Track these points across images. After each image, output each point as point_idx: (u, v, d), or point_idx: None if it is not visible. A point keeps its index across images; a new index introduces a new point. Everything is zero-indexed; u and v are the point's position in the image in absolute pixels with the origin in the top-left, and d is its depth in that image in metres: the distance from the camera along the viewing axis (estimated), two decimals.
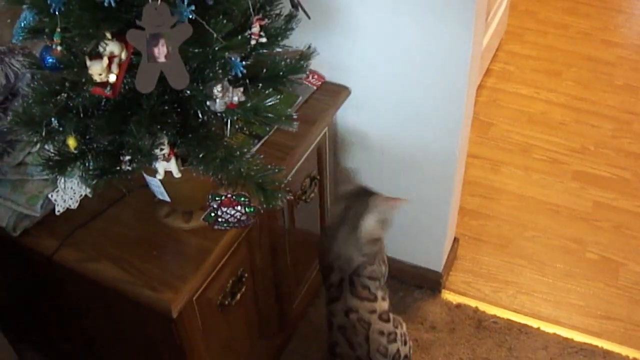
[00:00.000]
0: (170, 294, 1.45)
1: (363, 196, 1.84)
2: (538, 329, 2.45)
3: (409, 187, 2.32)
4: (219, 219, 1.49)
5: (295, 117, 1.31)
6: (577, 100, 3.39)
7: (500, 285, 2.61)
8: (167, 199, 1.53)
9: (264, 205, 1.35)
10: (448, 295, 2.57)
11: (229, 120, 1.32)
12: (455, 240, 2.66)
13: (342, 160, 2.36)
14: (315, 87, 2.08)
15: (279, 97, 1.29)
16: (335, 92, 2.02)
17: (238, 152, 1.31)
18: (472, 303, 2.55)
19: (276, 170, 1.36)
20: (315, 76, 2.11)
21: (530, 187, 2.96)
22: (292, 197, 1.85)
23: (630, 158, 3.07)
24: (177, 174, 1.41)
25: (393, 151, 2.25)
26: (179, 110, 1.24)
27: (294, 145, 1.77)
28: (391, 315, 1.89)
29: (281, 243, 1.92)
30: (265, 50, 1.37)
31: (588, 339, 2.41)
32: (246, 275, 1.70)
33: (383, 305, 1.87)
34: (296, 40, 1.45)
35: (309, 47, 1.49)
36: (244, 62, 1.25)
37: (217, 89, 1.25)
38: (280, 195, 1.35)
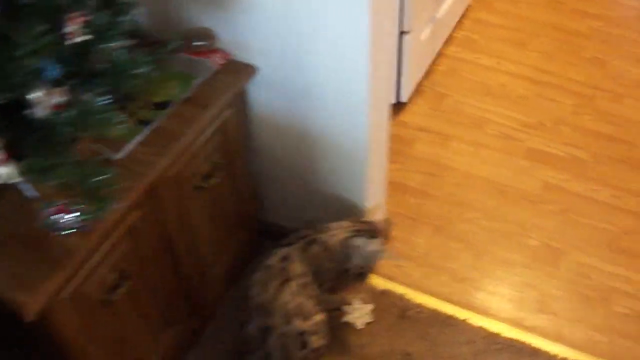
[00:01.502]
0: (24, 295, 1.31)
1: None
2: (465, 321, 2.17)
3: (325, 168, 2.07)
4: (59, 225, 1.36)
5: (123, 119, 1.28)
6: (541, 73, 3.06)
7: (432, 271, 2.33)
8: (36, 193, 1.40)
9: (95, 212, 1.29)
10: (376, 280, 2.29)
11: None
12: (387, 221, 2.36)
13: (257, 141, 2.10)
14: (218, 66, 1.83)
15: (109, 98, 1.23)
16: (239, 72, 1.81)
17: (69, 158, 1.24)
18: (400, 289, 2.27)
19: (105, 176, 1.27)
20: (219, 55, 1.85)
21: (479, 164, 2.66)
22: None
23: (588, 136, 2.75)
24: (16, 177, 1.27)
25: (307, 133, 1.99)
26: (9, 114, 1.19)
27: (181, 132, 1.61)
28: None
29: (174, 233, 1.76)
30: (105, 45, 1.26)
31: (517, 335, 2.14)
32: (131, 269, 1.57)
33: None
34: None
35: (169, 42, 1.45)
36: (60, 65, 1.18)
37: (35, 95, 1.16)
38: (107, 202, 1.29)
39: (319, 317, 1.90)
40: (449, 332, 2.16)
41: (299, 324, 1.79)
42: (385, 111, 1.97)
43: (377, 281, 2.30)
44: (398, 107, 2.89)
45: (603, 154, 2.68)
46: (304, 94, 1.85)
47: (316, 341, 1.90)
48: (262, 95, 1.95)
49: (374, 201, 2.17)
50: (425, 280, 2.32)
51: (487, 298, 2.26)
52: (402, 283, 2.31)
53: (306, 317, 1.80)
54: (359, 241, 1.97)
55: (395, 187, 2.59)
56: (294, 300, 1.79)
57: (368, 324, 2.19)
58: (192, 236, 1.89)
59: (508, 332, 2.16)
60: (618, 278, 2.29)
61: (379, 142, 2.01)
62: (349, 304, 2.21)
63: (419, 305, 2.23)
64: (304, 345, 1.86)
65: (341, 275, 2.01)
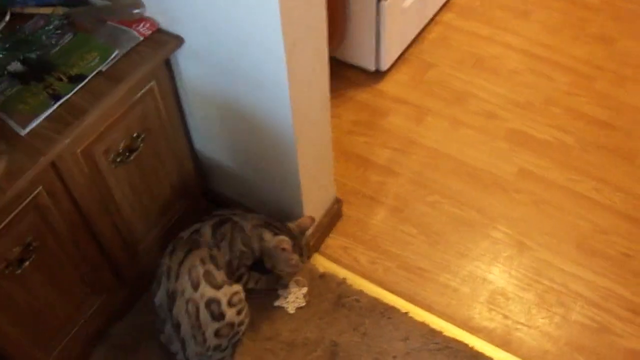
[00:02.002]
0: None
1: None
2: (406, 314, 1.96)
3: (259, 147, 1.88)
4: None
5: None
6: (540, 47, 2.77)
7: (380, 256, 2.11)
8: None
9: None
10: (319, 260, 2.09)
11: None
12: (338, 200, 2.14)
13: (193, 115, 1.93)
14: (142, 38, 1.66)
15: None
16: (163, 43, 1.65)
17: None
18: (341, 273, 2.07)
19: None
20: (147, 25, 1.67)
21: (453, 143, 2.41)
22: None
23: (579, 120, 2.47)
24: None
25: (237, 110, 1.79)
26: None
27: (88, 108, 1.51)
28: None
29: (90, 207, 1.67)
30: None
31: (460, 335, 1.92)
32: (39, 242, 1.53)
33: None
34: None
35: None
36: None
37: None
38: None
39: (234, 289, 1.80)
40: (386, 324, 1.95)
41: (207, 291, 1.73)
42: (320, 94, 1.74)
43: (319, 261, 2.09)
44: (377, 75, 2.64)
45: (592, 142, 2.41)
46: (228, 67, 1.66)
47: (234, 316, 1.79)
48: (191, 67, 1.76)
49: (311, 199, 1.96)
50: (370, 265, 2.10)
51: (435, 292, 2.04)
52: (345, 266, 2.10)
53: (215, 285, 1.74)
54: (267, 235, 1.86)
55: (359, 162, 2.37)
56: (202, 266, 1.74)
57: (300, 308, 1.99)
58: (115, 210, 1.78)
59: (450, 331, 1.93)
60: (582, 282, 2.04)
61: (313, 128, 1.80)
62: (285, 286, 2.01)
63: (358, 293, 2.02)
64: (218, 316, 1.76)
65: (260, 263, 1.91)
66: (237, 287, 1.84)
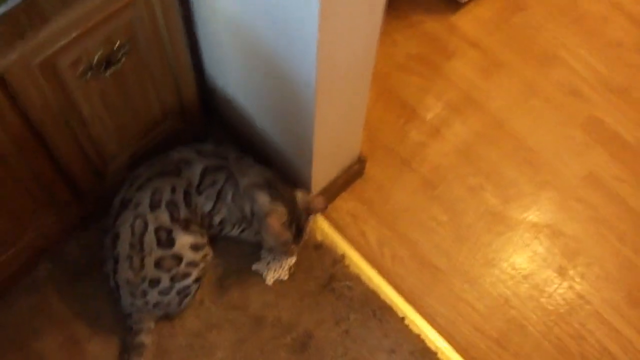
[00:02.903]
0: None
1: None
2: (402, 320, 1.61)
3: (273, 91, 1.46)
4: None
5: None
6: None
7: (393, 238, 1.72)
8: None
9: None
10: (320, 224, 1.71)
11: None
12: (361, 160, 1.72)
13: (200, 37, 1.54)
14: None
15: None
16: None
17: None
18: (342, 248, 1.70)
19: None
20: None
21: (520, 115, 1.96)
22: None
23: None
24: None
25: (251, 40, 1.36)
26: None
27: (51, 14, 1.13)
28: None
29: (46, 123, 1.33)
30: None
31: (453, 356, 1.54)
32: None
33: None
34: None
35: None
36: None
37: None
38: None
39: (198, 237, 1.55)
40: (374, 327, 1.59)
41: (164, 219, 1.49)
42: (366, 34, 1.26)
43: (319, 225, 1.70)
44: (454, 4, 2.11)
45: None
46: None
47: (187, 250, 1.53)
48: None
49: (326, 160, 1.53)
50: (377, 246, 1.71)
51: (443, 300, 1.67)
52: (348, 239, 1.72)
53: (175, 218, 1.50)
54: (262, 197, 1.51)
55: (402, 109, 1.95)
56: (170, 194, 1.51)
57: (281, 281, 1.61)
58: (78, 125, 1.41)
59: (447, 355, 1.56)
60: (619, 340, 1.63)
61: (345, 81, 1.34)
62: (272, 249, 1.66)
63: (353, 278, 1.65)
64: (166, 243, 1.50)
65: (249, 225, 1.60)
66: (204, 238, 1.57)
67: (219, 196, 1.54)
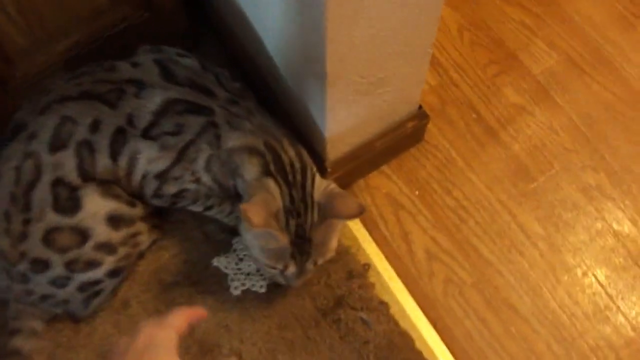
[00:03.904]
0: None
1: None
2: (411, 343, 0.86)
3: None
4: None
5: None
6: None
7: (454, 253, 1.00)
8: None
9: None
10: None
11: None
12: (421, 115, 0.99)
13: None
14: None
15: None
16: None
17: None
18: (366, 255, 1.00)
19: None
20: None
21: None
22: None
23: None
24: None
25: None
26: None
27: None
28: None
29: None
30: None
31: None
32: None
33: None
34: None
35: None
36: None
37: None
38: None
39: (124, 206, 0.92)
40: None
41: (67, 165, 0.88)
42: None
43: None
44: None
45: None
46: None
47: (102, 226, 0.90)
48: None
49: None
50: (426, 263, 1.00)
51: (484, 330, 0.93)
52: (378, 245, 1.01)
53: (87, 170, 0.88)
54: (251, 170, 0.88)
55: (498, 50, 1.27)
56: (88, 134, 0.88)
57: (254, 294, 0.92)
58: None
59: None
60: None
61: None
62: None
63: (375, 308, 0.98)
64: (67, 206, 0.88)
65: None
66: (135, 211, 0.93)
67: (182, 154, 0.89)
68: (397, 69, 0.87)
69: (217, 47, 1.14)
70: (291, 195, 0.86)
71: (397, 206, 1.08)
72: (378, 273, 1.01)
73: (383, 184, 1.10)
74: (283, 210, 0.85)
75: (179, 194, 0.92)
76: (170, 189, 0.92)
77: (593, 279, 1.06)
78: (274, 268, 0.88)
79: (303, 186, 0.88)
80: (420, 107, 1.03)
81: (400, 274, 1.03)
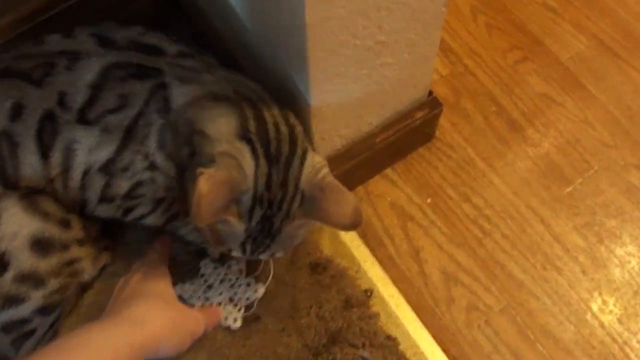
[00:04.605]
0: None
1: None
2: None
3: None
4: None
5: None
6: None
7: (478, 273, 0.76)
8: None
9: None
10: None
11: None
12: (433, 103, 0.78)
13: None
14: None
15: None
16: None
17: None
18: (368, 279, 0.75)
19: None
20: None
21: None
22: None
23: None
24: None
25: None
26: None
27: None
28: None
29: None
30: None
31: None
32: None
33: None
34: None
35: None
36: None
37: None
38: None
39: (53, 225, 0.71)
40: None
41: None
42: None
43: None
44: None
45: None
46: None
47: (38, 270, 0.70)
48: None
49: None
50: (444, 288, 0.77)
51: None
52: (383, 267, 0.79)
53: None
54: (211, 117, 0.66)
55: (521, 35, 1.09)
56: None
57: (226, 330, 0.69)
58: None
59: None
60: None
61: None
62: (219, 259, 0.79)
63: (382, 346, 0.71)
64: None
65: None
66: (76, 233, 0.72)
67: (129, 133, 0.68)
68: (401, 31, 0.67)
69: (186, 26, 0.94)
70: (269, 176, 0.64)
71: (405, 218, 0.87)
72: (383, 300, 0.80)
73: (387, 191, 0.89)
74: (252, 195, 0.63)
75: (132, 193, 0.71)
76: (121, 184, 0.70)
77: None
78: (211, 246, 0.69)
79: (288, 165, 0.65)
80: (430, 93, 0.83)
81: (411, 302, 0.81)
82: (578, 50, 1.05)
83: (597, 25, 1.09)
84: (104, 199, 0.72)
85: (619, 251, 0.89)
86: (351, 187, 0.87)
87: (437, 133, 0.93)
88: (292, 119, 0.68)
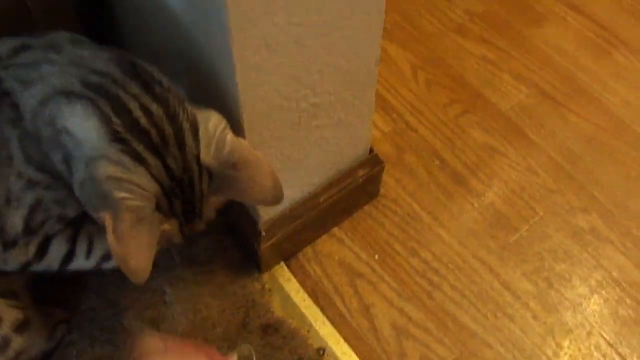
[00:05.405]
0: None
1: None
2: None
3: None
4: None
5: None
6: None
7: (433, 329, 0.75)
8: None
9: None
10: (280, 284, 0.76)
11: None
12: (374, 161, 0.79)
13: None
14: None
15: None
16: None
17: None
18: (320, 338, 0.73)
19: None
20: None
21: None
22: None
23: None
24: None
25: None
26: None
27: None
28: None
29: None
30: None
31: None
32: None
33: None
34: None
35: None
36: None
37: None
38: None
39: None
40: None
41: None
42: None
43: (280, 287, 0.77)
44: None
45: None
46: None
47: None
48: None
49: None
50: (397, 345, 0.76)
51: None
52: (335, 325, 0.77)
53: None
54: (71, 128, 0.56)
55: (459, 89, 1.10)
56: None
57: None
58: None
59: None
60: None
61: None
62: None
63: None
64: None
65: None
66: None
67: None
68: (335, 93, 0.68)
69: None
70: (167, 167, 0.56)
71: (354, 275, 0.88)
72: (336, 359, 0.80)
73: (335, 250, 0.90)
74: (163, 194, 0.57)
75: (30, 223, 0.62)
76: (14, 220, 0.61)
77: (601, 339, 0.84)
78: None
79: (180, 145, 0.57)
80: (372, 150, 0.84)
81: (363, 358, 0.81)
82: (518, 100, 1.08)
83: (537, 74, 1.12)
84: (5, 244, 0.62)
85: (570, 294, 0.89)
86: (299, 248, 0.87)
87: (382, 190, 0.94)
88: (163, 84, 0.58)
